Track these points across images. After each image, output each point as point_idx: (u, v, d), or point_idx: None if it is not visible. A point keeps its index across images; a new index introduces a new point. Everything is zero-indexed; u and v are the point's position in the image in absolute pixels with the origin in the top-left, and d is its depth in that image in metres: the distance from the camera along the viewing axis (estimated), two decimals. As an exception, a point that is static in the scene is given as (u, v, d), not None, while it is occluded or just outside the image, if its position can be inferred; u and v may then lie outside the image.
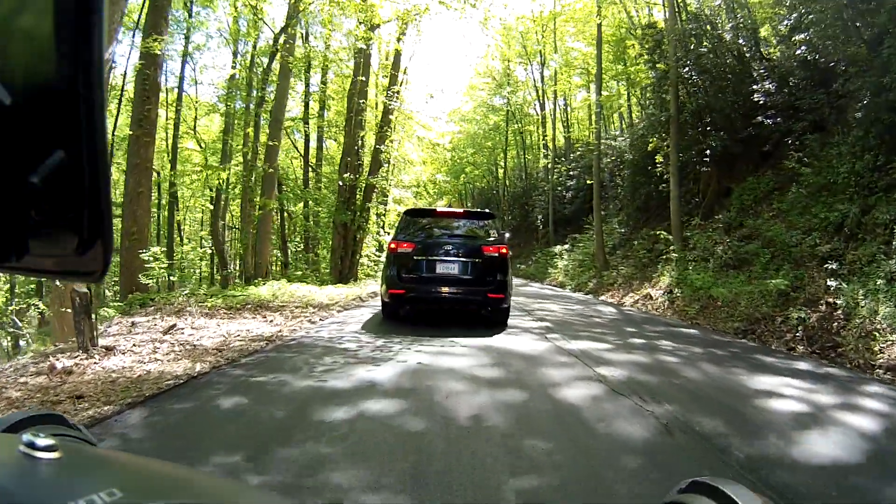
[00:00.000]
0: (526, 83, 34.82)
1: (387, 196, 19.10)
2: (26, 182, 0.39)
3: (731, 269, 11.61)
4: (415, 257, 7.52)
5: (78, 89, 0.39)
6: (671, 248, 14.58)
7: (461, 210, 9.62)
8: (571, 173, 27.44)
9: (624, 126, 28.38)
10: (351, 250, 16.90)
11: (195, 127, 21.86)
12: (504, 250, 7.62)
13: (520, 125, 35.75)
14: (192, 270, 22.14)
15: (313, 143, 23.84)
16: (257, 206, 12.89)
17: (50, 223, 0.41)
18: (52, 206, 0.41)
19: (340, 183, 16.31)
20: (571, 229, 25.10)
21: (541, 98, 32.81)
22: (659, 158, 17.27)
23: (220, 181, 16.38)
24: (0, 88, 0.37)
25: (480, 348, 5.99)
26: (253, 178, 13.66)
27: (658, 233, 16.17)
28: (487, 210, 10.27)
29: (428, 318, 8.11)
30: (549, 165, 28.98)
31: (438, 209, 9.66)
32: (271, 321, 8.01)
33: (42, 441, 0.47)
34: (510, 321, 8.22)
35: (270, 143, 13.00)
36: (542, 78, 31.99)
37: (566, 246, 23.74)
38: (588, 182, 22.52)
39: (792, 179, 11.65)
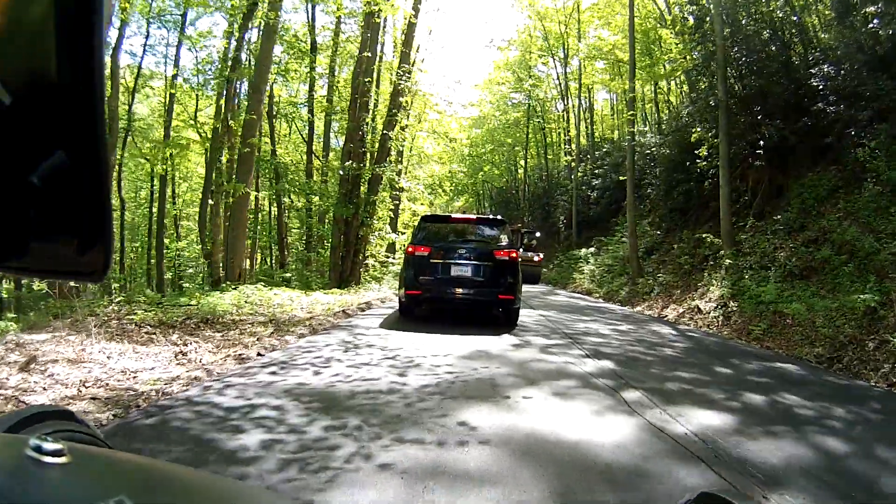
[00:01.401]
0: (548, 79, 31.44)
1: (396, 190, 15.93)
2: (26, 182, 0.37)
3: (796, 279, 9.34)
4: (431, 260, 7.45)
5: (78, 89, 0.37)
6: (720, 253, 11.92)
7: (474, 216, 9.54)
8: (597, 171, 24.09)
9: (650, 126, 24.93)
10: (353, 249, 13.80)
11: (196, 116, 18.93)
12: (514, 254, 7.61)
13: (541, 121, 32.24)
14: (187, 268, 19.38)
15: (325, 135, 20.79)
16: (228, 194, 9.84)
17: (50, 223, 0.39)
18: (53, 206, 0.38)
19: (341, 172, 13.22)
20: (596, 231, 22.24)
21: (563, 92, 29.34)
22: (702, 151, 14.53)
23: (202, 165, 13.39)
24: (0, 88, 0.35)
25: (520, 448, 2.79)
26: (224, 160, 10.62)
27: (704, 235, 13.18)
28: (499, 216, 9.49)
29: (425, 362, 4.89)
30: (573, 163, 25.59)
31: (453, 215, 9.30)
32: (188, 353, 4.96)
33: (49, 445, 0.42)
34: (558, 360, 5.30)
35: (247, 117, 9.90)
36: (566, 72, 28.57)
37: (592, 249, 20.55)
38: (621, 178, 19.20)
39: (858, 176, 9.74)
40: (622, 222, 19.11)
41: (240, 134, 9.92)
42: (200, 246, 14.93)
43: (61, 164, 0.37)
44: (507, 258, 7.47)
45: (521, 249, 20.21)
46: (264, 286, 10.15)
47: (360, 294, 11.32)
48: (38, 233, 0.38)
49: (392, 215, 17.45)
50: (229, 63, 12.11)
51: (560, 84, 29.58)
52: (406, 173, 18.43)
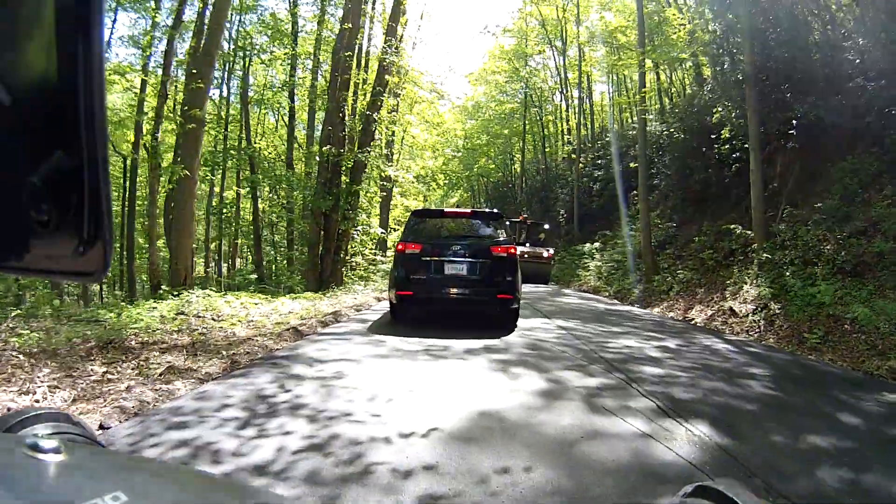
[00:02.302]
0: (545, 69, 29.09)
1: (384, 180, 13.63)
2: (26, 182, 0.36)
3: (848, 276, 7.83)
4: (423, 258, 6.80)
5: (78, 89, 0.36)
6: (752, 246, 10.25)
7: (469, 210, 8.54)
8: (599, 162, 21.78)
9: (655, 114, 22.68)
10: (333, 246, 11.50)
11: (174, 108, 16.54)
12: (512, 250, 6.94)
13: (538, 110, 29.78)
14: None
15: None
16: (167, 178, 7.51)
17: (50, 223, 0.38)
18: (53, 207, 0.37)
19: (318, 158, 10.92)
20: (600, 225, 20.07)
21: (563, 81, 26.94)
22: (725, 133, 12.33)
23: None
24: (0, 88, 0.35)
25: None
26: (161, 136, 8.30)
27: (732, 227, 11.28)
28: (496, 210, 8.69)
29: (384, 459, 2.53)
30: (573, 154, 23.25)
31: (446, 209, 8.63)
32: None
33: (46, 443, 0.42)
34: (623, 429, 3.11)
35: (194, 86, 7.53)
36: (564, 62, 26.20)
37: (597, 244, 18.26)
38: (631, 165, 16.92)
39: (904, 159, 8.24)
40: (633, 214, 16.87)
41: (183, 105, 7.59)
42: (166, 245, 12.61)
43: (61, 165, 0.35)
44: (504, 255, 6.85)
45: (527, 244, 17.68)
46: (215, 292, 7.87)
47: (336, 299, 9.03)
48: (38, 233, 0.37)
49: (380, 209, 15.16)
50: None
51: (560, 73, 27.23)
52: (397, 164, 16.21)
